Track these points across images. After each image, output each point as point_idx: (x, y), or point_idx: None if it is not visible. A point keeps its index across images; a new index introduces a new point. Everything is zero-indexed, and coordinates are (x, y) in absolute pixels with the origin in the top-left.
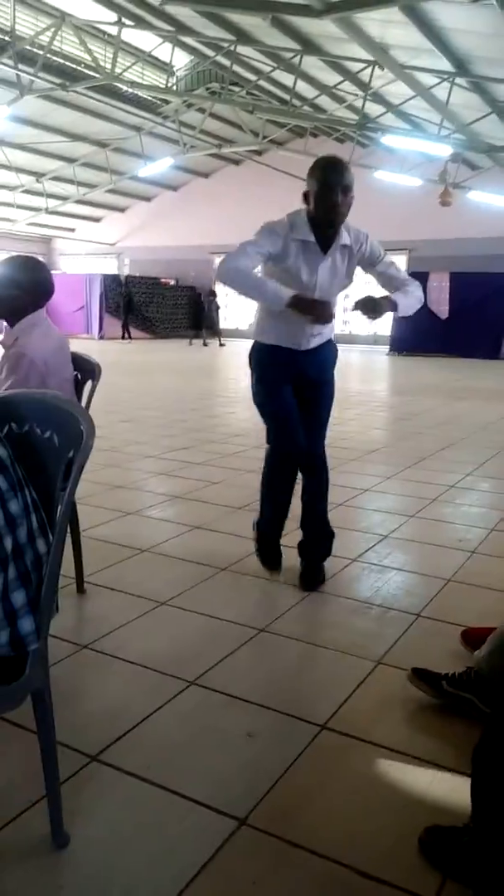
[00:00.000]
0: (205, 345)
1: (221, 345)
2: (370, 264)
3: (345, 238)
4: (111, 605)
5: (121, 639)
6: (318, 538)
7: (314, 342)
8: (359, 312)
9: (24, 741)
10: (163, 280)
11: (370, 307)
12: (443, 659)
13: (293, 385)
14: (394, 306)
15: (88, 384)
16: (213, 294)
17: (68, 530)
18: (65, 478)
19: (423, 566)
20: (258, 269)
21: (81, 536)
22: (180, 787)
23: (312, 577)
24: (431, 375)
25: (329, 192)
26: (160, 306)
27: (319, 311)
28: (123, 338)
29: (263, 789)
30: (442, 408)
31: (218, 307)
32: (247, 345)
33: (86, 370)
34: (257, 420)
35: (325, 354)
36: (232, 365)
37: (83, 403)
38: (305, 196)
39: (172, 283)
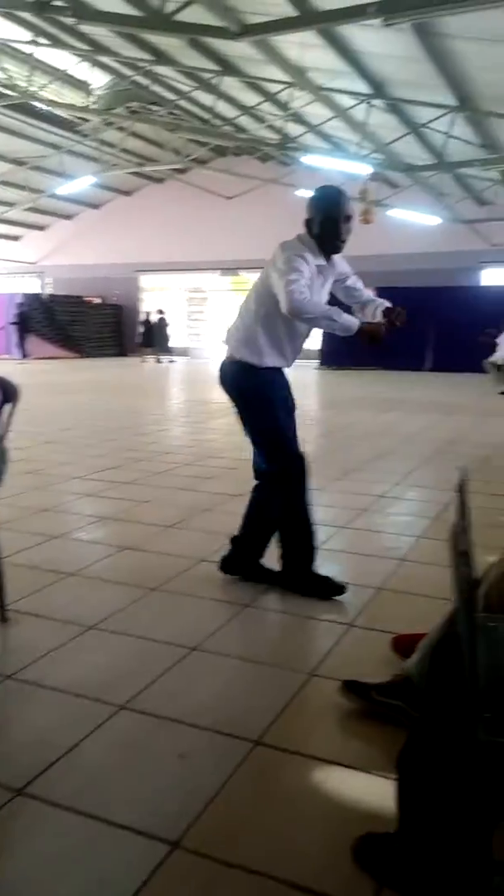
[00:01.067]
0: (158, 362)
1: (168, 362)
2: (342, 281)
3: (335, 261)
4: (36, 633)
5: (47, 667)
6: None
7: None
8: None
9: None
10: (87, 299)
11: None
12: (375, 666)
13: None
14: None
15: (7, 407)
16: (161, 312)
17: None
18: None
19: (354, 576)
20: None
21: (3, 562)
22: (110, 815)
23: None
24: (360, 388)
25: (336, 222)
26: (85, 325)
27: (381, 335)
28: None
29: (197, 810)
30: (370, 420)
31: (168, 325)
32: (192, 362)
33: (5, 391)
34: (187, 437)
35: None
36: (161, 382)
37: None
38: (307, 223)
39: (97, 301)
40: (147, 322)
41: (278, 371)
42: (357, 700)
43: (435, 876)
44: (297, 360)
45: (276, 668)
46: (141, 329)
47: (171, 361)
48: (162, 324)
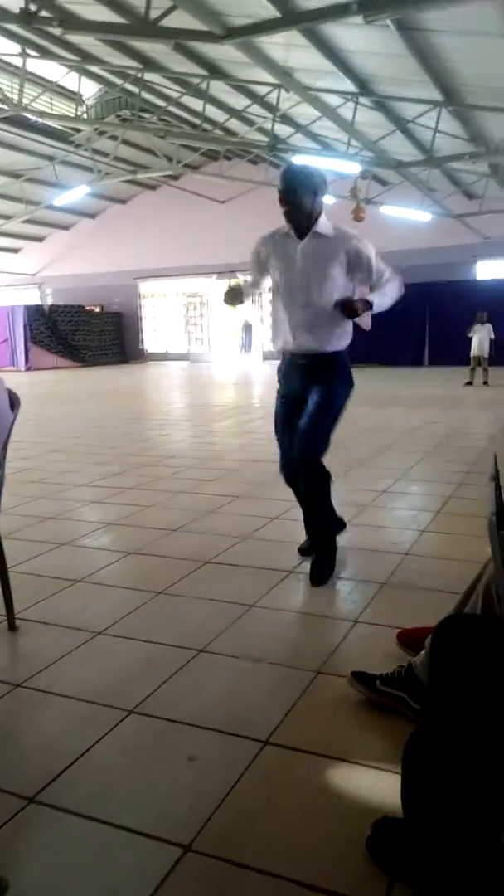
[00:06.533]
0: None
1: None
2: (354, 270)
3: (321, 228)
4: (45, 640)
5: (56, 673)
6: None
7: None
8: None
9: None
10: (88, 307)
11: (347, 306)
12: (381, 662)
13: None
14: (369, 306)
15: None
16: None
17: None
18: None
19: (359, 572)
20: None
21: (11, 571)
22: (122, 820)
23: (313, 574)
24: (360, 385)
25: (282, 194)
26: (87, 334)
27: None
28: None
29: (207, 812)
30: (370, 416)
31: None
32: (192, 367)
33: (10, 401)
34: (189, 442)
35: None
36: (163, 388)
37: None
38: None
39: (98, 310)
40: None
41: (282, 355)
42: (362, 689)
43: (445, 872)
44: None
45: (283, 667)
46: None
47: None
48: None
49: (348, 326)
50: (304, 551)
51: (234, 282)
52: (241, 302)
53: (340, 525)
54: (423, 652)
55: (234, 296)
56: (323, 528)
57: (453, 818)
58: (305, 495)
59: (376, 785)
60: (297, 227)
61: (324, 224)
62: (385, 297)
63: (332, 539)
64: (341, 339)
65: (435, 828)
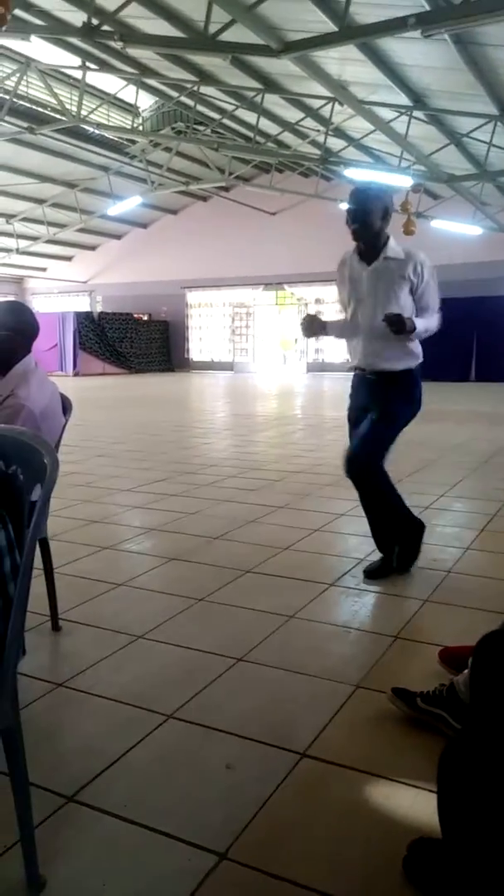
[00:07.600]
0: None
1: None
2: (415, 291)
3: (390, 252)
4: (87, 641)
5: (97, 675)
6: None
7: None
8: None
9: None
10: (136, 315)
11: (393, 320)
12: (421, 678)
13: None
14: (413, 327)
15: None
16: None
17: (42, 567)
18: (29, 513)
19: (400, 588)
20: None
21: (56, 573)
22: (159, 824)
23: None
24: None
25: (351, 213)
26: (133, 342)
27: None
28: None
29: (244, 821)
30: (414, 430)
31: None
32: (237, 377)
33: (63, 405)
34: (232, 450)
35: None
36: (206, 396)
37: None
38: None
39: (146, 318)
40: None
41: (354, 371)
42: (402, 706)
43: (481, 893)
44: (340, 373)
45: (321, 680)
46: None
47: None
48: None
49: (417, 347)
50: (370, 574)
51: (311, 311)
52: (326, 334)
53: (420, 526)
54: (465, 671)
55: (313, 327)
56: (401, 523)
57: (492, 838)
58: (364, 500)
59: (414, 804)
60: (365, 248)
61: (393, 247)
62: (426, 328)
63: (415, 530)
64: (410, 358)
65: (473, 848)
